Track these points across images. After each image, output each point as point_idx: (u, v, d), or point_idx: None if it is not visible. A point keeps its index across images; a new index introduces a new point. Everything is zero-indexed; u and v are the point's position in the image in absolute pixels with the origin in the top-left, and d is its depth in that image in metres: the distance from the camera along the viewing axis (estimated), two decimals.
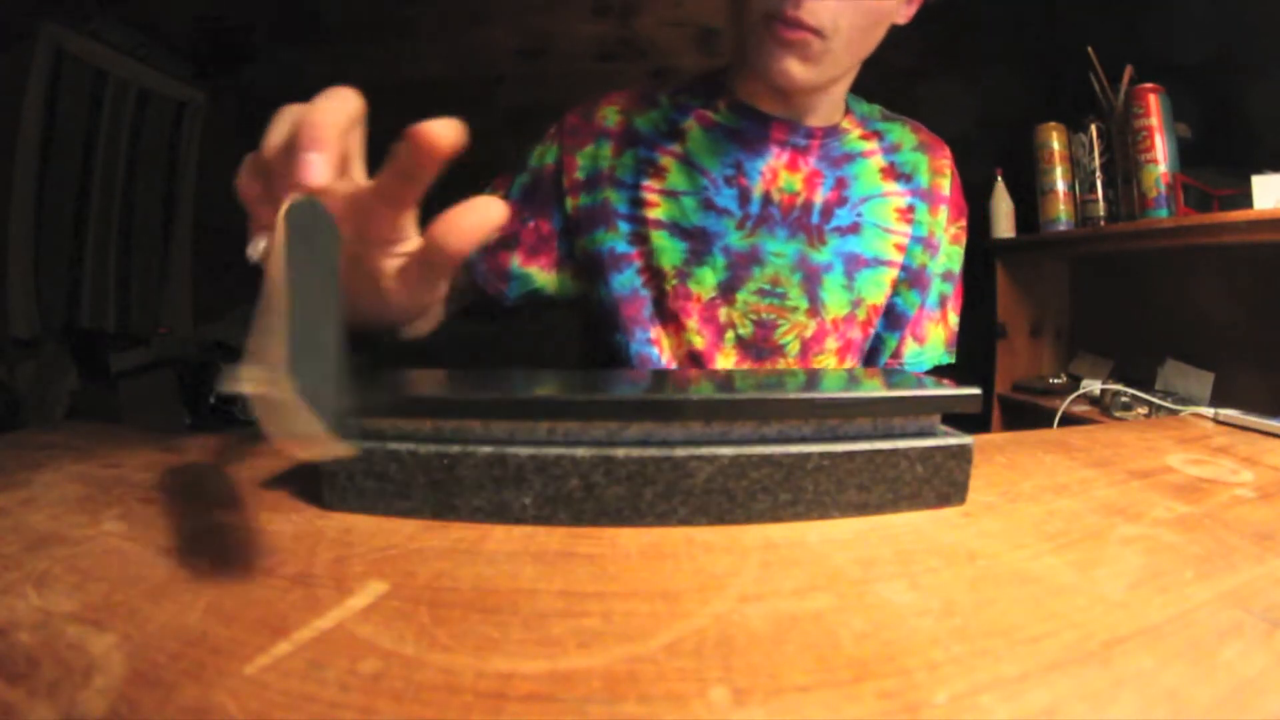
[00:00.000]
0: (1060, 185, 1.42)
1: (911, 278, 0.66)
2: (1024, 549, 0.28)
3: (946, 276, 0.69)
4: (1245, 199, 1.01)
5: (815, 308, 0.62)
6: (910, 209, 0.66)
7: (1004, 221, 1.55)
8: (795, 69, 0.54)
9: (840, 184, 0.64)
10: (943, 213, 0.67)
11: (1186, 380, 1.24)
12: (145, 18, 1.72)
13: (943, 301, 0.69)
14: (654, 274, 0.62)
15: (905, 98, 0.81)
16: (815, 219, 0.63)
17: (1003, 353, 1.60)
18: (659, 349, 0.63)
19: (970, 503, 0.33)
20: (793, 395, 0.31)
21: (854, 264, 0.63)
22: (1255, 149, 1.11)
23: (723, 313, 0.60)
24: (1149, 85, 1.18)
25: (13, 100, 1.48)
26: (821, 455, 0.31)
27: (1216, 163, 1.15)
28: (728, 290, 0.60)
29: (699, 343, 0.61)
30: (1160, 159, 1.17)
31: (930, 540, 0.29)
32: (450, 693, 0.18)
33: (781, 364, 0.62)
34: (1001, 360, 1.59)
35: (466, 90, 2.00)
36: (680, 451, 0.30)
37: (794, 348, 0.62)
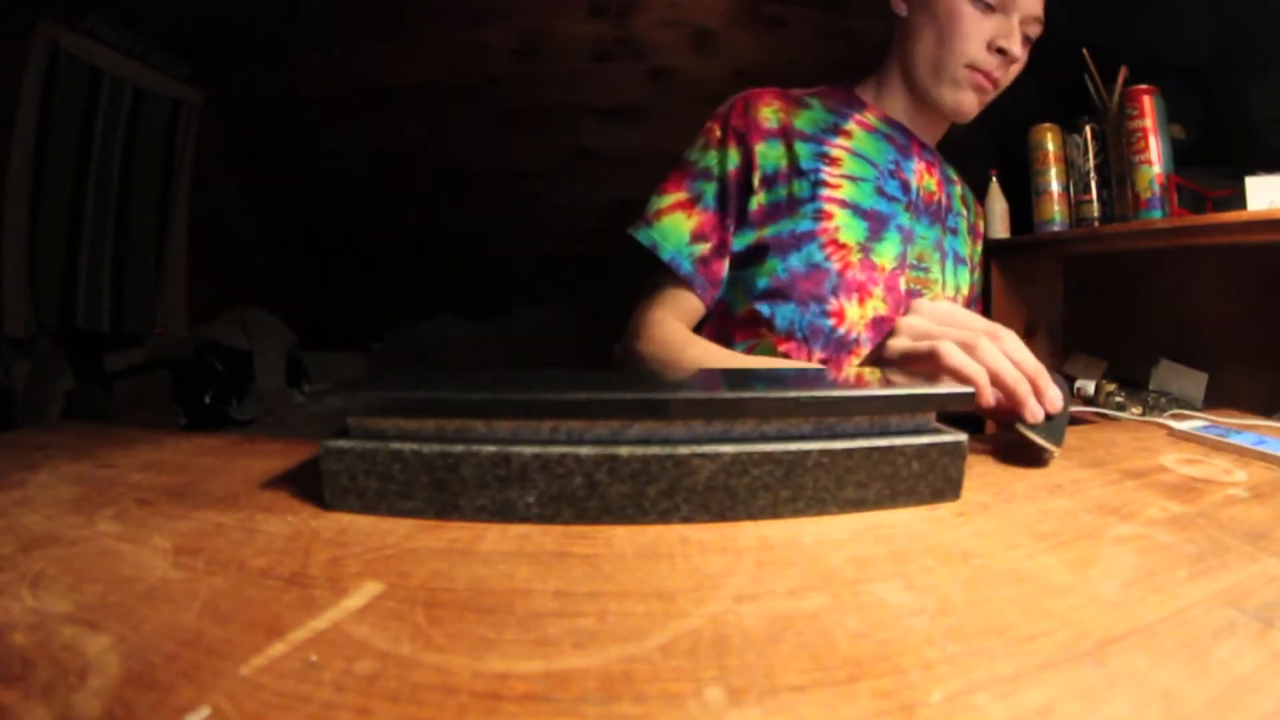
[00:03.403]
0: (1055, 186, 1.42)
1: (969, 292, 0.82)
2: (1018, 548, 0.28)
3: (977, 298, 0.89)
4: (1239, 200, 1.01)
5: (944, 284, 0.75)
6: (962, 233, 0.83)
7: (999, 222, 1.56)
8: (973, 105, 0.72)
9: (949, 195, 0.80)
10: (979, 246, 0.88)
11: (1180, 381, 1.25)
12: (142, 17, 1.71)
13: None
14: (839, 248, 0.68)
15: None
16: (942, 215, 0.78)
17: None
18: (836, 320, 0.68)
19: (965, 502, 0.34)
20: (792, 394, 0.32)
21: (957, 259, 0.78)
22: (1249, 150, 1.11)
23: (901, 281, 0.71)
24: (1143, 86, 1.18)
25: (9, 98, 1.48)
26: (821, 452, 0.31)
27: (1210, 164, 1.15)
28: (903, 262, 0.72)
29: (884, 309, 0.70)
30: (1154, 160, 1.17)
31: (925, 540, 0.29)
32: (446, 693, 0.18)
33: None
34: None
35: (461, 90, 1.99)
36: (683, 449, 0.30)
37: None
